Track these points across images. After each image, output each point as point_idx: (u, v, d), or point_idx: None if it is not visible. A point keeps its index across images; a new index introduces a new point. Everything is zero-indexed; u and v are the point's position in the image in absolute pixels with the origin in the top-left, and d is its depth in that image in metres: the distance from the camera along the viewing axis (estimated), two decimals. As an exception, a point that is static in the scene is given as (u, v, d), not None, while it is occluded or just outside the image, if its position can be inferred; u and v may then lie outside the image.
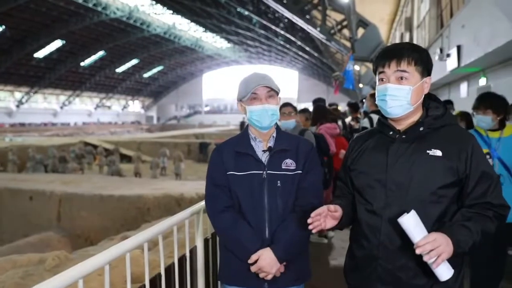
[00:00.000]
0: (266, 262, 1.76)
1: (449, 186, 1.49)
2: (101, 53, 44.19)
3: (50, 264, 3.87)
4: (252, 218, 1.85)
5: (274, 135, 1.92)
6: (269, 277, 1.79)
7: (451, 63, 9.52)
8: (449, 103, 6.08)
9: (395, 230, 1.47)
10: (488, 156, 2.80)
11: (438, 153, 1.49)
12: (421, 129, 1.54)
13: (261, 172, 1.85)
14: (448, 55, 9.80)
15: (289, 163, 1.86)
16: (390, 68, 1.53)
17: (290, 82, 64.14)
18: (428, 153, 1.50)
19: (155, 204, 9.72)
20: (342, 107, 17.65)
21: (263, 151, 1.89)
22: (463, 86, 11.05)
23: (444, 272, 1.35)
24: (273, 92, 1.86)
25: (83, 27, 36.61)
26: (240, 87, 1.90)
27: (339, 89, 8.84)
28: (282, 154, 1.87)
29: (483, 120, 2.99)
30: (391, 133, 1.59)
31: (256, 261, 1.77)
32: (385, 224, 1.51)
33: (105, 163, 20.63)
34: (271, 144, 1.90)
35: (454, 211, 1.51)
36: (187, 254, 2.36)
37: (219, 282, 2.43)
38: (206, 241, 2.56)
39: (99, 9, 33.40)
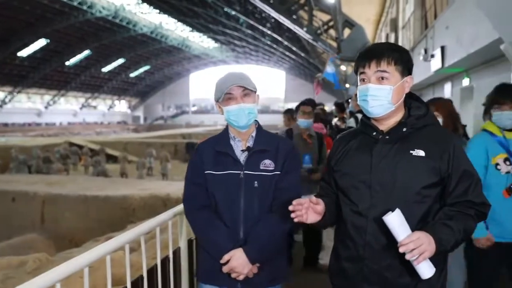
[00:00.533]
0: (238, 262, 1.76)
1: (432, 185, 1.51)
2: (86, 52, 43.59)
3: (31, 266, 3.81)
4: (227, 218, 1.85)
5: (254, 134, 1.91)
6: (241, 277, 1.79)
7: (435, 63, 9.63)
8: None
9: (380, 230, 1.49)
10: (508, 163, 2.40)
11: (421, 153, 1.51)
12: (404, 129, 1.56)
13: (239, 172, 1.84)
14: (432, 56, 9.92)
15: (267, 164, 1.85)
16: (370, 69, 1.54)
17: (278, 82, 64.22)
18: (412, 153, 1.51)
19: (140, 205, 9.64)
20: (329, 107, 17.73)
21: (241, 150, 1.88)
22: (447, 87, 11.19)
23: (426, 270, 1.37)
24: (248, 90, 1.85)
25: (68, 26, 36.09)
26: (216, 88, 1.88)
27: (320, 90, 8.94)
28: (261, 154, 1.86)
29: (511, 117, 2.42)
30: (374, 133, 1.60)
31: (228, 261, 1.77)
32: (371, 224, 1.52)
33: (90, 163, 20.39)
34: (250, 143, 1.89)
35: (437, 210, 1.53)
36: (170, 256, 2.35)
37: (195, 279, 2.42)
38: (190, 242, 2.55)
39: (84, 7, 32.94)
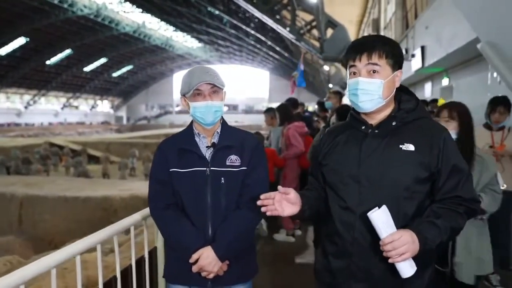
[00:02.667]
0: (207, 261, 1.73)
1: (422, 181, 1.47)
2: (68, 51, 42.90)
3: (1, 269, 3.70)
4: (194, 216, 1.81)
5: (219, 130, 1.88)
6: (211, 276, 1.77)
7: (416, 63, 9.77)
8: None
9: (369, 226, 1.45)
10: None
11: (411, 147, 1.47)
12: (393, 123, 1.52)
13: (205, 169, 1.80)
14: (413, 56, 10.06)
15: (233, 159, 1.82)
16: (361, 62, 1.49)
17: (261, 82, 64.31)
18: (401, 147, 1.48)
19: (122, 205, 9.50)
20: (312, 106, 17.78)
21: (207, 147, 1.85)
22: (428, 86, 11.36)
23: (406, 269, 1.35)
24: (217, 88, 1.81)
25: (48, 24, 35.44)
26: (183, 82, 1.84)
27: (295, 88, 8.98)
28: (227, 150, 1.83)
29: None
30: (363, 127, 1.56)
31: (197, 260, 1.74)
32: (359, 220, 1.48)
33: (71, 164, 20.03)
34: (215, 140, 1.86)
35: (428, 206, 1.49)
36: (146, 256, 2.30)
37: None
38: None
39: (65, 6, 32.39)
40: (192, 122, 1.92)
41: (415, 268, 1.36)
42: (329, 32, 13.26)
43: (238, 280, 1.87)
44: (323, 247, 1.65)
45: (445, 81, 9.65)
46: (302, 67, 8.86)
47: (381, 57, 1.48)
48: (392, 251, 1.30)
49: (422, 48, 9.23)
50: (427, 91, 11.36)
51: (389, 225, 1.34)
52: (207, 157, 1.82)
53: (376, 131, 1.53)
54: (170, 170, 1.83)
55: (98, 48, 45.44)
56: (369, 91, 1.48)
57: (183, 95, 1.86)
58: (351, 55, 1.52)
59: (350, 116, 1.64)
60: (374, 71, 1.48)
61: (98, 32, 40.30)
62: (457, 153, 1.52)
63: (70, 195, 9.98)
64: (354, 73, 1.52)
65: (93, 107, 63.45)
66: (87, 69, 49.84)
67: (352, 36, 22.17)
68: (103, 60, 49.11)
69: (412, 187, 1.46)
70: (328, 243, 1.61)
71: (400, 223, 1.40)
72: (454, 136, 2.23)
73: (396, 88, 1.55)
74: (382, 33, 17.53)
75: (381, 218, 1.33)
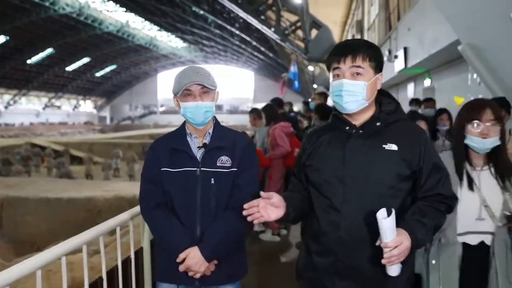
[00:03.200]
0: (194, 261, 1.74)
1: (405, 179, 1.53)
2: (49, 50, 42.19)
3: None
4: (184, 215, 1.82)
5: (211, 131, 1.89)
6: (197, 275, 1.77)
7: (399, 64, 9.91)
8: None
9: (354, 225, 1.50)
10: None
11: (394, 147, 1.52)
12: (377, 124, 1.57)
13: (195, 169, 1.81)
14: (396, 57, 10.20)
15: (224, 160, 1.83)
16: (345, 64, 1.53)
17: (246, 83, 64.28)
18: (384, 147, 1.53)
19: (106, 206, 9.40)
20: (298, 107, 17.86)
21: (198, 147, 1.85)
22: (410, 87, 11.53)
23: (396, 269, 1.42)
24: (207, 88, 1.81)
25: (29, 23, 34.75)
26: (175, 82, 1.85)
27: (286, 90, 9.04)
28: (218, 151, 1.84)
29: None
30: (347, 128, 1.60)
31: (184, 260, 1.75)
32: (345, 219, 1.52)
33: (53, 165, 19.74)
34: (206, 140, 1.87)
35: (411, 203, 1.56)
36: (132, 256, 2.29)
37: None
38: (153, 242, 2.49)
39: (47, 4, 31.84)
40: (184, 122, 1.92)
41: (401, 267, 1.42)
42: (314, 32, 13.36)
43: (227, 280, 1.88)
44: (307, 246, 1.67)
45: (427, 82, 9.81)
46: (293, 69, 8.90)
47: (365, 60, 1.53)
48: (393, 257, 1.36)
49: (405, 49, 9.37)
50: (409, 92, 11.53)
51: (392, 230, 1.37)
52: (197, 157, 1.83)
53: (361, 131, 1.57)
54: (161, 169, 1.83)
55: (80, 48, 44.79)
56: (354, 92, 1.53)
57: (175, 94, 1.86)
58: (335, 57, 1.56)
59: (333, 117, 1.68)
60: (357, 74, 1.53)
61: (80, 31, 39.71)
62: (436, 153, 1.61)
63: (52, 196, 9.83)
64: (338, 75, 1.56)
65: (75, 107, 62.52)
66: (70, 68, 49.07)
67: (336, 37, 22.35)
68: (86, 60, 48.42)
69: (396, 185, 1.52)
70: (313, 242, 1.63)
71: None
72: (491, 145, 1.85)
73: (377, 92, 1.61)
74: (365, 34, 17.73)
75: (390, 223, 1.36)
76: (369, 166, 1.51)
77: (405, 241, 1.38)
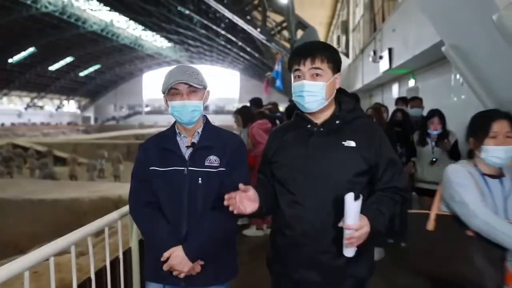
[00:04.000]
0: (177, 260, 1.75)
1: (363, 174, 1.64)
2: (31, 49, 41.47)
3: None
4: (170, 215, 1.82)
5: (200, 130, 1.89)
6: (182, 275, 1.77)
7: (384, 65, 10.02)
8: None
9: (316, 218, 1.61)
10: None
11: (352, 144, 1.63)
12: (337, 122, 1.68)
13: (183, 168, 1.81)
14: (380, 57, 10.31)
15: (212, 160, 1.83)
16: (305, 66, 1.63)
17: (232, 83, 64.21)
18: (344, 144, 1.63)
19: (91, 208, 9.31)
20: (283, 107, 17.88)
21: (186, 147, 1.86)
22: (395, 87, 11.66)
23: (352, 251, 1.53)
24: (195, 87, 1.82)
25: (10, 21, 34.07)
26: (164, 80, 1.85)
27: (270, 89, 9.07)
28: (207, 150, 1.84)
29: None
30: (309, 126, 1.70)
31: (168, 259, 1.75)
32: (308, 212, 1.61)
33: (36, 166, 19.42)
34: (195, 140, 1.87)
35: (367, 195, 1.65)
36: (121, 256, 2.28)
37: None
38: (142, 242, 2.48)
39: (28, 2, 31.25)
40: (175, 121, 1.92)
41: (355, 250, 1.54)
42: (299, 33, 13.44)
43: (214, 281, 1.86)
44: (274, 239, 1.77)
45: (411, 83, 9.94)
46: (277, 68, 8.92)
47: (323, 61, 1.63)
48: (354, 239, 1.47)
49: (390, 50, 9.48)
50: (394, 92, 11.66)
51: (357, 213, 1.48)
52: (186, 156, 1.83)
53: (321, 129, 1.68)
54: (150, 168, 1.83)
55: (64, 47, 44.10)
56: (314, 92, 1.63)
57: (164, 93, 1.86)
58: (296, 59, 1.66)
59: (295, 116, 1.77)
60: (317, 75, 1.63)
61: (64, 30, 39.10)
62: (391, 148, 1.73)
63: (36, 198, 9.70)
64: (299, 76, 1.66)
65: (59, 107, 61.57)
66: (53, 68, 48.32)
67: (322, 38, 22.48)
68: (69, 59, 47.73)
69: (354, 179, 1.62)
70: (279, 235, 1.72)
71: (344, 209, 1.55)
72: None
73: (337, 90, 1.71)
74: (351, 35, 17.87)
75: (356, 207, 1.46)
76: (330, 161, 1.62)
77: (366, 226, 1.49)
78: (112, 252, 2.19)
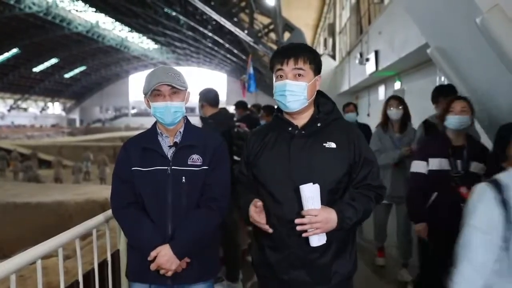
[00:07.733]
0: (165, 259, 1.75)
1: (345, 174, 1.68)
2: (14, 50, 40.80)
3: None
4: (155, 214, 1.83)
5: (181, 130, 1.90)
6: (169, 273, 1.78)
7: (370, 67, 10.11)
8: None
9: (301, 217, 1.59)
10: None
11: (333, 145, 1.67)
12: (318, 124, 1.70)
13: (166, 167, 1.82)
14: (367, 60, 10.40)
15: (195, 159, 1.85)
16: (288, 66, 1.65)
17: (219, 85, 64.18)
18: (325, 145, 1.66)
19: (77, 211, 9.20)
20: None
21: (169, 146, 1.87)
22: (381, 89, 11.78)
23: (314, 240, 1.56)
24: (176, 89, 1.83)
25: (-7, 22, 33.60)
26: (145, 82, 1.86)
27: (246, 91, 9.05)
28: (189, 149, 1.86)
29: None
30: (290, 129, 1.71)
31: (155, 258, 1.76)
32: (291, 215, 1.60)
33: (20, 168, 19.13)
34: (177, 139, 1.89)
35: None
36: (109, 258, 2.26)
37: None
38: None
39: (11, 2, 30.71)
40: (156, 122, 1.92)
41: (324, 241, 1.57)
42: (287, 35, 13.49)
43: (199, 278, 1.89)
44: (260, 242, 1.76)
45: (397, 85, 10.05)
46: (251, 70, 8.86)
47: (306, 62, 1.65)
48: (307, 225, 1.51)
49: (376, 52, 9.57)
50: (380, 94, 11.78)
51: (315, 201, 1.51)
52: (169, 156, 1.84)
53: (303, 132, 1.69)
54: (132, 168, 1.84)
55: (48, 48, 43.51)
56: (296, 92, 1.65)
57: (145, 94, 1.87)
58: (279, 59, 1.68)
59: (275, 118, 1.79)
60: (299, 75, 1.65)
61: (48, 31, 38.56)
62: (368, 147, 1.77)
63: (20, 201, 9.55)
64: (281, 76, 1.67)
65: (43, 109, 60.70)
66: (37, 69, 47.64)
67: (309, 40, 22.61)
68: (54, 61, 47.10)
69: (337, 180, 1.66)
70: (265, 237, 1.71)
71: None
72: None
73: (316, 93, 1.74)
74: (337, 38, 17.99)
75: (310, 193, 1.50)
76: (312, 163, 1.64)
77: (330, 214, 1.54)
78: (99, 255, 2.17)
